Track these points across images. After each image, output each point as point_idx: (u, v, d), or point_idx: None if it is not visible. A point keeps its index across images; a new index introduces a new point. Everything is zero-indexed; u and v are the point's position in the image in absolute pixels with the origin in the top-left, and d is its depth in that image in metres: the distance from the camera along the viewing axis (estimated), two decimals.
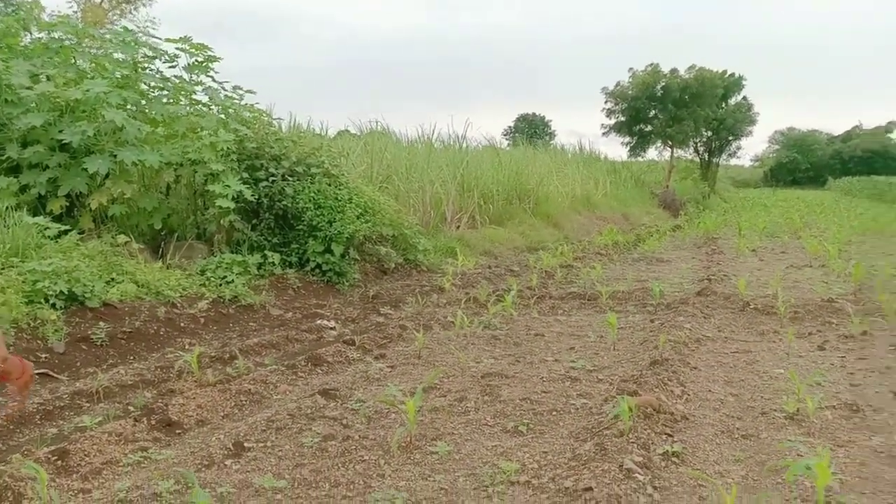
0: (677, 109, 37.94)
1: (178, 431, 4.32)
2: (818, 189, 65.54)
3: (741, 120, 42.94)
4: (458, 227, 14.60)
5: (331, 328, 7.37)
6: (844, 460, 3.98)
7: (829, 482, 3.32)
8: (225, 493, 3.47)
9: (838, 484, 3.62)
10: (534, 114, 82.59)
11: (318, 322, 7.50)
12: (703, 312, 8.09)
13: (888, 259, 12.47)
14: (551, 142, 37.33)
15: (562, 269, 11.30)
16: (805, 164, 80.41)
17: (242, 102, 9.68)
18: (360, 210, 9.14)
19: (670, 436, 4.30)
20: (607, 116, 40.68)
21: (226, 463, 3.85)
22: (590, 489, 3.37)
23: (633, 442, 4.00)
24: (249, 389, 5.07)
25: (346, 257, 9.07)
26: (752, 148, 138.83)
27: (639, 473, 3.63)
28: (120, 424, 4.17)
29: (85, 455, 3.78)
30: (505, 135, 73.74)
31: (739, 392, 5.31)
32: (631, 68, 39.44)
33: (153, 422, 4.29)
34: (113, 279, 6.73)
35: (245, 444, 4.08)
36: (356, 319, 7.88)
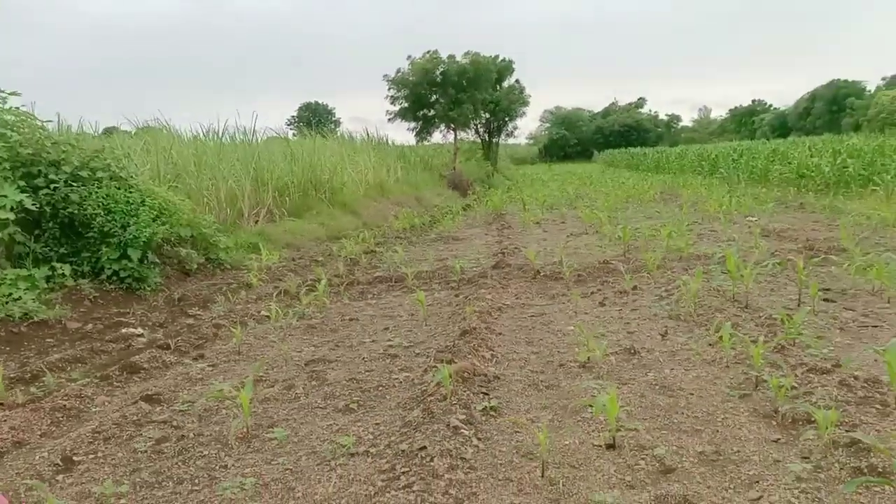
0: (457, 93, 39.68)
1: None
2: (586, 162, 71.71)
3: (515, 101, 45.87)
4: (257, 222, 14.42)
5: (139, 335, 7.12)
6: (628, 395, 4.70)
7: (618, 413, 3.95)
8: None
9: (625, 414, 4.29)
10: (317, 102, 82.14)
11: (124, 330, 7.20)
12: (500, 283, 8.82)
13: (647, 222, 14.22)
14: (337, 129, 37.43)
15: (366, 255, 11.64)
16: (573, 140, 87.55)
17: (5, 106, 8.87)
18: (154, 212, 8.80)
19: (486, 394, 4.80)
20: (391, 103, 41.61)
21: (57, 478, 3.75)
22: (424, 447, 3.74)
23: (455, 403, 4.44)
24: (64, 405, 4.86)
25: (145, 262, 8.71)
26: (526, 127, 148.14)
27: (464, 429, 4.07)
28: None
29: None
30: (289, 124, 72.63)
31: (539, 350, 5.97)
32: (409, 55, 40.62)
33: None
34: None
35: (74, 458, 3.98)
36: (164, 324, 7.66)
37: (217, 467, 3.87)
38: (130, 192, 8.73)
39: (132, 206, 8.53)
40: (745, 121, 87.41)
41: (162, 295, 8.71)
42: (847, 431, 3.69)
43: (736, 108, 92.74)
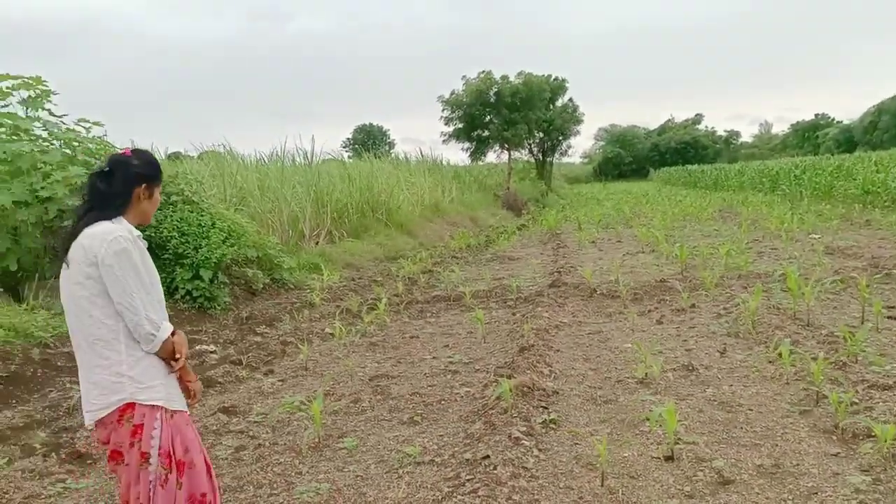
0: (511, 113, 39.88)
1: (89, 462, 4.42)
2: (642, 180, 71.00)
3: (568, 120, 45.88)
4: (318, 242, 14.84)
5: (211, 352, 7.49)
6: (686, 410, 4.78)
7: (676, 427, 4.06)
8: None
9: (683, 429, 4.39)
10: (371, 124, 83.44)
11: (198, 347, 7.58)
12: (557, 302, 8.94)
13: (705, 240, 14.13)
14: (391, 151, 38.02)
15: (423, 275, 11.89)
16: (628, 158, 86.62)
17: (90, 135, 9.45)
18: (224, 234, 9.22)
19: (545, 408, 4.94)
20: (446, 124, 42.04)
21: None
22: (487, 457, 3.91)
23: (515, 416, 4.60)
24: None
25: (215, 282, 9.12)
26: (580, 146, 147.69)
27: (525, 440, 4.23)
28: (30, 461, 4.23)
29: (4, 493, 3.85)
30: (344, 146, 73.88)
31: (597, 366, 6.09)
32: (464, 76, 41.00)
33: (63, 456, 4.37)
34: None
35: None
36: (234, 341, 8.02)
37: (293, 473, 4.12)
38: (202, 216, 9.17)
39: (203, 229, 8.96)
40: (809, 136, 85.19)
41: (231, 314, 9.10)
42: None
43: (798, 122, 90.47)
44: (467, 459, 4.03)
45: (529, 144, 46.07)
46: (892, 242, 12.29)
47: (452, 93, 40.40)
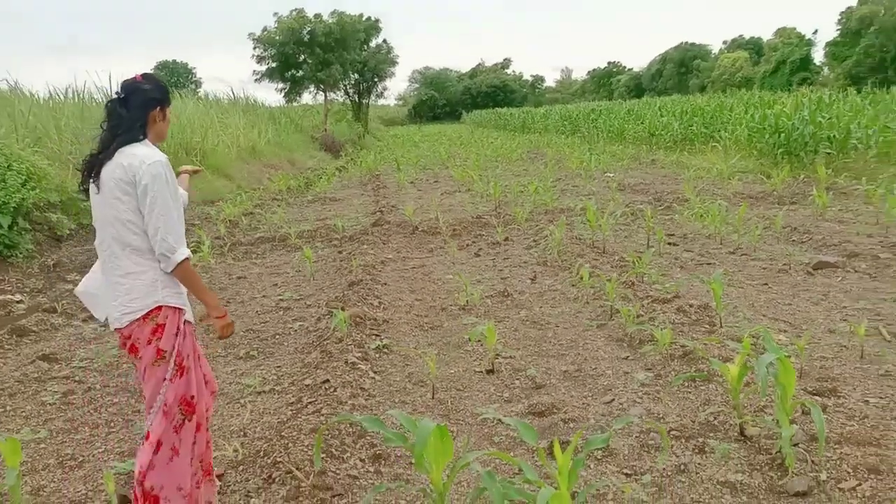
0: (325, 54, 39.11)
1: None
2: (455, 122, 72.75)
3: (383, 61, 45.84)
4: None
5: (17, 301, 7.04)
6: (504, 330, 5.32)
7: (495, 344, 4.54)
8: None
9: (501, 345, 4.90)
10: (174, 61, 78.16)
11: (1, 297, 7.09)
12: (381, 239, 9.27)
13: (515, 179, 15.03)
14: (199, 90, 36.10)
15: (245, 217, 11.72)
16: (442, 101, 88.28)
17: None
18: (23, 178, 8.53)
19: (377, 335, 5.27)
20: (258, 63, 40.43)
21: None
22: (327, 381, 4.18)
23: (350, 344, 4.89)
24: None
25: (15, 228, 8.45)
26: (395, 88, 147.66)
27: (361, 364, 4.54)
28: None
29: None
30: None
31: (422, 297, 6.50)
32: (276, 13, 39.50)
33: None
34: None
35: None
36: (43, 290, 7.58)
37: (130, 412, 4.14)
38: None
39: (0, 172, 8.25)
40: (604, 82, 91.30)
41: (35, 261, 8.51)
42: (681, 346, 4.45)
43: (595, 69, 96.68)
44: (307, 385, 4.27)
45: (345, 86, 45.56)
46: (673, 179, 13.83)
47: (264, 30, 38.85)
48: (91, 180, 2.69)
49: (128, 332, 2.67)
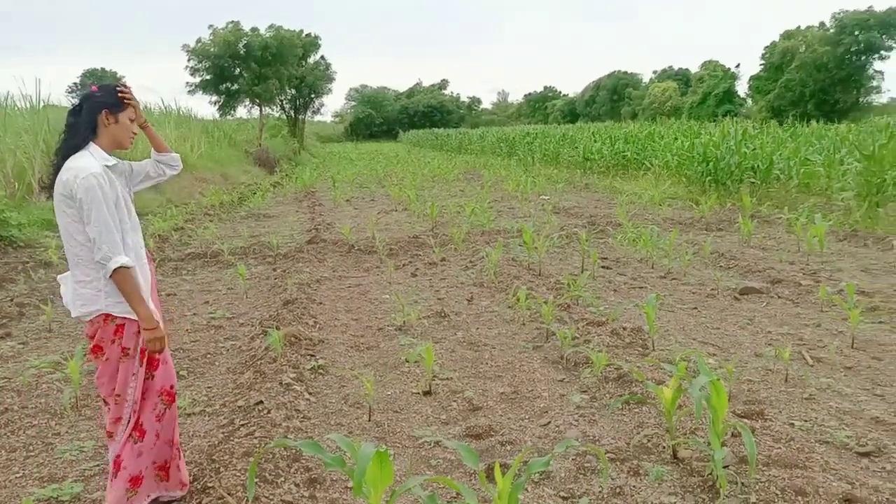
0: (261, 68, 38.59)
1: None
2: (392, 141, 72.79)
3: (321, 78, 45.55)
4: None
5: None
6: (441, 351, 5.30)
7: (432, 366, 4.52)
8: None
9: (438, 367, 4.88)
10: (102, 69, 75.91)
11: None
12: (317, 258, 9.15)
13: (452, 200, 15.12)
14: None
15: (175, 232, 11.40)
16: (379, 119, 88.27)
17: None
18: None
19: (313, 356, 5.18)
20: (192, 74, 39.59)
21: None
22: (261, 402, 4.07)
23: (285, 364, 4.79)
24: None
25: None
26: (332, 105, 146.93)
27: (296, 385, 4.45)
28: None
29: None
30: (70, 92, 66.50)
31: (359, 317, 6.43)
32: (211, 25, 38.83)
33: None
34: None
35: None
36: None
37: (50, 435, 3.94)
38: None
39: None
40: (539, 106, 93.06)
41: None
42: (616, 369, 4.52)
43: (531, 93, 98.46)
44: (240, 406, 4.15)
45: (281, 101, 45.08)
46: (606, 203, 14.14)
47: (199, 41, 38.11)
48: (48, 194, 2.83)
49: (92, 332, 2.85)
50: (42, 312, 6.42)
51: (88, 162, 2.74)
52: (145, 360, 2.91)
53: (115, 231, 2.73)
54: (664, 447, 3.53)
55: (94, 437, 3.86)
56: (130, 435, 2.91)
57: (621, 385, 4.32)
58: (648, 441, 3.60)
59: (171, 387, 3.02)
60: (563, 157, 24.23)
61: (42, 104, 17.28)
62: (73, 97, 46.80)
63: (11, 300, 7.19)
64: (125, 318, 2.83)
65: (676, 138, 18.05)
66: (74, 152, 2.78)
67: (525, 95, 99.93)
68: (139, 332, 2.85)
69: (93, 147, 2.82)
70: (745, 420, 3.75)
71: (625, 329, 5.46)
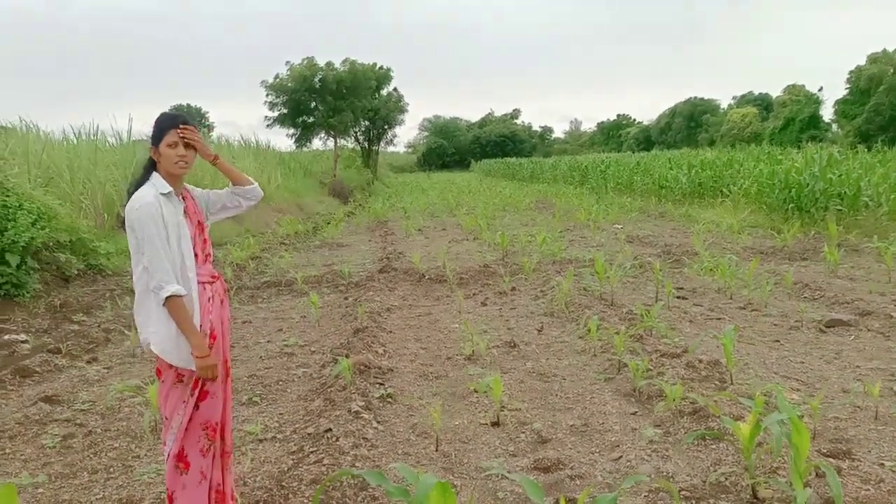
0: (336, 101, 39.68)
1: None
2: (464, 171, 73.28)
3: (393, 109, 46.47)
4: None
5: (22, 341, 7.00)
6: (509, 381, 5.24)
7: (501, 396, 4.47)
8: None
9: (507, 398, 4.82)
10: (188, 105, 79.44)
11: (6, 337, 7.05)
12: (388, 286, 9.24)
13: (523, 229, 15.06)
14: (211, 134, 36.50)
15: (252, 261, 11.73)
16: (451, 149, 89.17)
17: None
18: (33, 217, 8.58)
19: (382, 384, 5.20)
20: (270, 109, 41.07)
21: None
22: (329, 430, 4.10)
23: (354, 392, 4.82)
24: None
25: (23, 267, 8.47)
26: (405, 136, 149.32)
27: (364, 413, 4.46)
28: None
29: None
30: None
31: (428, 346, 6.44)
32: (288, 61, 40.19)
33: None
34: None
35: None
36: (48, 330, 7.53)
37: (130, 458, 4.06)
38: (7, 196, 8.48)
39: (10, 210, 8.29)
40: (613, 134, 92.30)
41: (42, 301, 8.50)
42: (691, 403, 4.36)
43: (604, 121, 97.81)
44: (310, 433, 4.19)
45: (355, 133, 46.13)
46: (682, 232, 13.82)
47: (276, 77, 39.48)
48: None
49: (154, 356, 2.91)
50: (126, 338, 6.69)
51: (144, 192, 2.83)
52: (198, 390, 2.91)
53: (165, 259, 2.77)
54: (743, 486, 3.37)
55: None
56: (177, 465, 2.90)
57: (697, 420, 4.16)
58: (726, 479, 3.45)
59: (217, 423, 2.98)
60: (636, 185, 23.88)
61: (131, 140, 18.17)
62: None
63: (99, 326, 7.51)
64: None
65: (756, 165, 17.54)
66: (139, 185, 2.88)
67: (598, 124, 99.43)
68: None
69: (154, 177, 2.90)
70: (831, 459, 3.54)
71: (701, 362, 5.28)
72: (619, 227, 15.03)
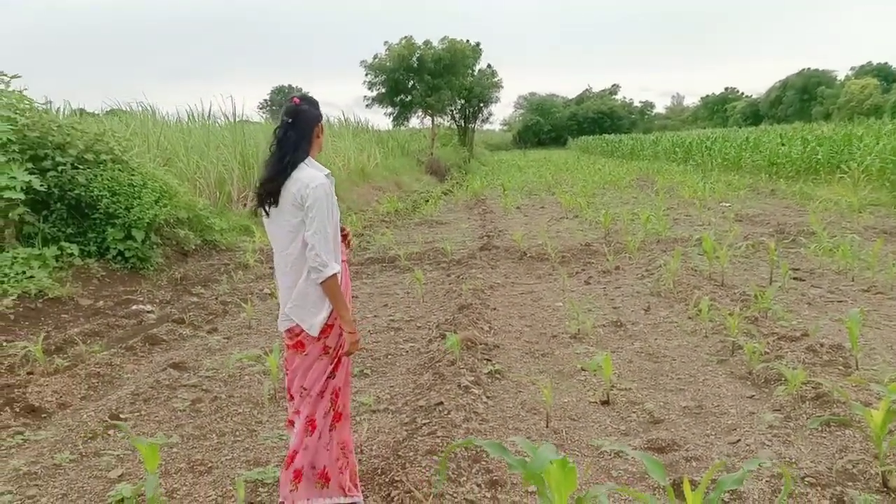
0: (434, 79, 39.87)
1: (43, 415, 4.45)
2: (560, 149, 72.24)
3: (488, 86, 46.21)
4: (245, 205, 14.68)
5: (148, 311, 7.46)
6: (617, 361, 5.17)
7: (610, 375, 4.43)
8: (123, 455, 3.81)
9: (615, 377, 4.77)
10: (289, 85, 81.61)
11: (134, 307, 7.54)
12: (489, 264, 9.28)
13: (624, 207, 14.74)
14: None
15: (355, 238, 12.01)
16: (547, 126, 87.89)
17: (9, 89, 9.07)
18: (156, 195, 9.09)
19: (489, 360, 5.25)
20: (369, 89, 41.73)
21: (109, 433, 4.14)
22: (441, 403, 4.18)
23: (462, 368, 4.89)
24: (98, 372, 5.23)
25: (147, 242, 9.00)
26: (500, 113, 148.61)
27: (474, 388, 4.53)
28: None
29: None
30: (261, 108, 72.19)
31: (532, 323, 6.44)
32: (386, 41, 40.66)
33: (17, 409, 4.39)
34: None
35: (121, 416, 4.36)
36: (171, 301, 8.00)
37: (253, 423, 4.28)
38: (133, 175, 9.01)
39: (135, 189, 8.81)
40: (718, 108, 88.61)
41: (164, 274, 9.02)
42: (813, 388, 4.19)
43: (708, 95, 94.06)
44: (421, 406, 4.29)
45: (451, 111, 46.22)
46: (796, 210, 13.18)
47: (375, 57, 39.99)
48: (269, 204, 2.93)
49: (299, 330, 2.99)
50: (242, 310, 7.00)
51: (316, 172, 2.89)
52: (335, 360, 3.03)
53: (330, 240, 2.86)
54: (872, 475, 3.22)
55: None
56: (305, 428, 2.99)
57: (820, 405, 3.99)
58: (853, 467, 3.30)
59: (339, 389, 3.08)
60: (745, 161, 22.90)
61: (237, 120, 18.88)
62: (262, 113, 50.61)
63: (216, 298, 7.90)
64: (334, 321, 2.97)
65: (878, 140, 16.48)
66: (298, 164, 2.90)
67: (702, 98, 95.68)
68: (341, 334, 2.99)
69: (310, 158, 2.95)
70: None
71: (822, 346, 5.05)
72: (727, 205, 14.49)
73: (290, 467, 2.98)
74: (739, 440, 3.74)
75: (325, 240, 2.84)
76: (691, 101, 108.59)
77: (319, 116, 3.02)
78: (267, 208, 2.96)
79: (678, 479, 3.11)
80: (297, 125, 2.94)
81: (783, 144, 21.34)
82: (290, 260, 2.93)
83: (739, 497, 3.12)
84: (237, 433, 4.11)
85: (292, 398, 3.11)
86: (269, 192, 2.92)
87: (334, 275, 2.86)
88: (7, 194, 7.70)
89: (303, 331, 2.97)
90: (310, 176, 2.87)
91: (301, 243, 2.88)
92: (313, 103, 3.04)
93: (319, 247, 2.82)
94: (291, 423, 3.11)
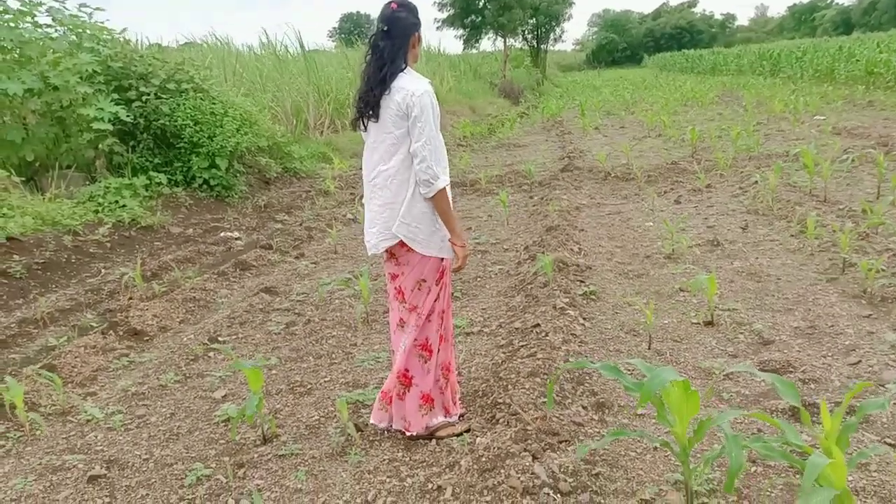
0: None
1: (146, 338, 4.59)
2: (636, 67, 69.54)
3: (558, 2, 44.45)
4: (322, 132, 14.68)
5: (236, 238, 7.59)
6: (718, 281, 4.91)
7: (714, 294, 4.22)
8: (225, 377, 3.88)
9: (717, 297, 4.56)
10: (357, 12, 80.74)
11: (222, 234, 7.68)
12: (573, 185, 9.01)
13: (711, 124, 14.07)
14: None
15: None
16: (622, 44, 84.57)
17: (92, 21, 9.15)
18: (237, 123, 9.12)
19: (582, 282, 5.10)
20: (439, 10, 40.87)
21: (209, 355, 4.22)
22: (538, 325, 4.08)
23: (555, 290, 4.76)
24: (194, 297, 5.34)
25: (231, 170, 9.11)
26: (573, 32, 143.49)
27: (570, 310, 4.40)
28: (90, 339, 4.38)
29: (73, 367, 4.01)
30: (330, 36, 71.75)
31: (623, 244, 6.23)
32: None
33: (121, 333, 4.52)
34: (4, 214, 6.53)
35: (219, 339, 4.45)
36: (256, 228, 8.11)
37: (348, 345, 4.30)
38: (214, 104, 9.05)
39: (217, 117, 8.86)
40: (806, 18, 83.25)
41: (248, 202, 9.14)
42: None
43: (795, 4, 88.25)
44: (517, 328, 4.20)
45: (523, 31, 44.86)
46: None
47: None
48: (369, 116, 2.80)
49: (405, 249, 2.85)
50: (327, 235, 7.02)
51: (419, 81, 2.73)
52: (440, 280, 2.91)
53: (442, 150, 2.73)
54: None
55: (387, 350, 4.13)
56: (420, 354, 2.91)
57: None
58: None
59: (443, 311, 2.97)
60: (838, 72, 21.48)
61: (307, 50, 18.73)
62: (332, 40, 50.25)
63: (301, 224, 7.96)
64: (442, 240, 2.84)
65: None
66: (397, 74, 2.73)
67: (788, 7, 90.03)
68: (443, 259, 2.88)
69: (409, 68, 2.79)
70: None
71: None
72: (822, 118, 13.63)
73: (412, 391, 2.95)
74: (860, 361, 3.51)
75: (435, 150, 2.70)
76: (776, 11, 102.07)
77: (417, 24, 2.82)
78: (366, 121, 2.82)
79: (807, 402, 2.94)
80: (392, 33, 2.76)
81: (882, 53, 19.85)
82: (390, 174, 2.77)
83: (869, 421, 2.93)
84: (333, 356, 4.13)
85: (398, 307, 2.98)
86: (368, 104, 2.77)
87: (444, 188, 2.73)
88: (96, 125, 7.85)
89: (410, 249, 2.83)
90: (414, 84, 2.71)
91: (403, 156, 2.74)
92: (412, 9, 2.83)
93: (430, 158, 2.68)
94: (402, 323, 2.96)
